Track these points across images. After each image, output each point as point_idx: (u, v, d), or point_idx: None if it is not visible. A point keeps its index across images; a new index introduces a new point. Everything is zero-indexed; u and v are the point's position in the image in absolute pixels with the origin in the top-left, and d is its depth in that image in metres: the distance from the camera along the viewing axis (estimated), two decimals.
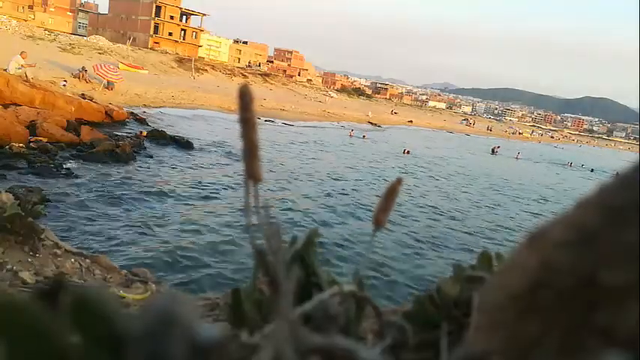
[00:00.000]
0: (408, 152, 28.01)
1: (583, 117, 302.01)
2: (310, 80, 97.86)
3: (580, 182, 30.05)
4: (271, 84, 62.00)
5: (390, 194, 0.58)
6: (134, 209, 9.24)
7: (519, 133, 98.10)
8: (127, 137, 15.06)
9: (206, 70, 54.45)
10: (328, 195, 13.47)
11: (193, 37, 76.55)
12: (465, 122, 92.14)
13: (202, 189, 11.72)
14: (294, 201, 12.16)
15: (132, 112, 19.52)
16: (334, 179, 16.11)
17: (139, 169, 12.35)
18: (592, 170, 40.97)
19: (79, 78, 25.60)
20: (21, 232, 2.14)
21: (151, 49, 58.66)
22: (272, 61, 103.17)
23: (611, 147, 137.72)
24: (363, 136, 33.07)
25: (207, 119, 25.87)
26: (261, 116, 29.81)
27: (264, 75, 67.50)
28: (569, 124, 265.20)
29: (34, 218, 2.23)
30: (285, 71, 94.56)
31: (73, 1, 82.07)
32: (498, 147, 43.47)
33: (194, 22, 78.42)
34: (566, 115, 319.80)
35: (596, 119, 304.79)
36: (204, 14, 79.18)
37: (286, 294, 0.40)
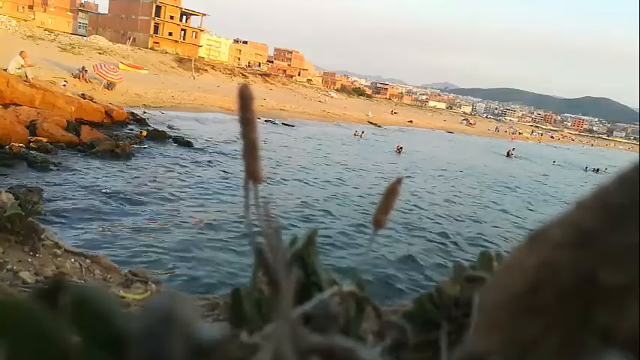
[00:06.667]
0: (401, 149, 27.64)
1: (583, 117, 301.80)
2: (310, 80, 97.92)
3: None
4: (271, 84, 62.03)
5: (390, 194, 0.58)
6: (134, 209, 9.24)
7: (519, 133, 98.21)
8: (127, 137, 15.07)
9: (206, 70, 54.49)
10: (327, 195, 13.47)
11: (193, 37, 76.56)
12: (464, 122, 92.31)
13: (202, 189, 11.72)
14: (294, 201, 12.16)
15: (132, 112, 19.51)
16: (333, 179, 16.11)
17: (139, 169, 12.35)
18: None
19: (79, 78, 25.60)
20: (21, 232, 2.14)
21: (151, 49, 58.68)
22: (272, 61, 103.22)
23: (611, 147, 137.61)
24: (361, 135, 33.03)
25: (207, 119, 25.87)
26: (261, 116, 29.80)
27: (264, 75, 67.55)
28: (569, 124, 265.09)
29: (34, 218, 2.23)
30: (285, 71, 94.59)
31: (73, 1, 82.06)
32: (513, 149, 42.13)
33: (194, 22, 78.50)
34: (566, 115, 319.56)
35: (596, 119, 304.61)
36: (204, 14, 79.20)
37: (286, 294, 0.40)
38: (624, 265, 0.30)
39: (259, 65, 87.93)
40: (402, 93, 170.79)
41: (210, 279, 6.82)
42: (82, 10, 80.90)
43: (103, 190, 9.84)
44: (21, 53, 17.15)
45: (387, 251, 9.13)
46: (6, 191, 2.36)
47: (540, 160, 43.29)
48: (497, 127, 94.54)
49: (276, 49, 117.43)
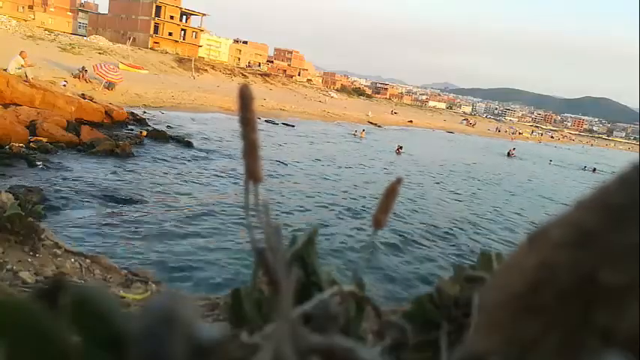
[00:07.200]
0: (400, 149, 27.62)
1: (583, 117, 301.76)
2: (310, 80, 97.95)
3: None
4: (271, 84, 62.02)
5: (390, 194, 0.58)
6: (134, 209, 9.24)
7: (519, 133, 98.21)
8: (127, 137, 15.06)
9: (206, 70, 54.47)
10: (327, 194, 13.48)
11: (193, 37, 76.57)
12: (464, 122, 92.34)
13: (202, 188, 11.72)
14: (294, 200, 12.16)
15: (132, 112, 19.51)
16: (333, 179, 16.12)
17: (139, 169, 12.35)
18: None
19: (79, 78, 25.60)
20: (21, 232, 2.14)
21: (151, 49, 58.68)
22: (272, 61, 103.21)
23: (611, 147, 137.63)
24: (361, 135, 32.99)
25: (207, 119, 25.86)
26: (261, 116, 29.78)
27: (264, 75, 67.53)
28: (569, 124, 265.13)
29: (34, 218, 2.23)
30: (285, 71, 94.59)
31: (73, 1, 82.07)
32: (514, 149, 42.83)
33: (194, 22, 78.51)
34: (566, 115, 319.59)
35: (596, 119, 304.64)
36: (204, 14, 79.20)
37: (286, 294, 0.40)
38: (624, 265, 0.30)
39: (259, 65, 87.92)
40: (402, 93, 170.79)
41: (210, 279, 6.82)
42: (82, 10, 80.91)
43: (103, 190, 9.84)
44: (21, 53, 17.16)
45: (385, 250, 9.13)
46: (6, 191, 2.36)
47: (540, 160, 43.45)
48: (497, 127, 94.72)
49: (276, 49, 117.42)
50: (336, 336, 0.39)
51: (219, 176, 13.32)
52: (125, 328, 0.28)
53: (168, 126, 19.80)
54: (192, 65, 50.51)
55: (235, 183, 12.66)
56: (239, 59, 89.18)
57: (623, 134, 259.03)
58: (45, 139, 12.06)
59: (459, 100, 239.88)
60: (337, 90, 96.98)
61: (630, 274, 0.29)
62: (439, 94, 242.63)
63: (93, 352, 0.28)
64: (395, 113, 70.50)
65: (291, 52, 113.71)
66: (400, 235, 10.43)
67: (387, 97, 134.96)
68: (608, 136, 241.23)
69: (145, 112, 21.78)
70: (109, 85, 25.42)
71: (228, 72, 58.18)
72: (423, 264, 9.08)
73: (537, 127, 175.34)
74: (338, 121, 44.23)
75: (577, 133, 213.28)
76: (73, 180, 10.14)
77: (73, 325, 0.28)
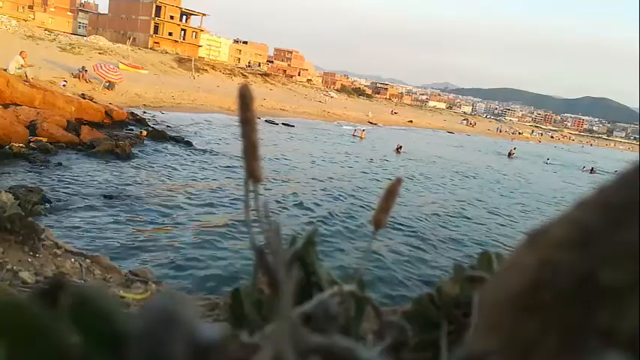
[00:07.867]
0: (400, 149, 27.61)
1: (583, 117, 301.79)
2: (310, 80, 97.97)
3: None
4: (271, 84, 62.04)
5: (390, 194, 0.58)
6: (134, 209, 9.24)
7: (519, 134, 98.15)
8: (127, 137, 15.06)
9: (206, 70, 54.48)
10: (327, 194, 13.47)
11: (193, 37, 76.59)
12: (465, 122, 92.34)
13: (202, 188, 11.72)
14: (293, 200, 12.16)
15: (132, 112, 19.51)
16: (333, 178, 16.11)
17: (138, 169, 12.35)
18: None
19: (79, 78, 25.60)
20: (21, 232, 2.14)
21: (151, 49, 58.68)
22: (272, 61, 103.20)
23: (611, 147, 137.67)
24: (361, 135, 32.97)
25: (207, 119, 25.86)
26: (261, 116, 29.78)
27: (264, 75, 67.53)
28: (569, 124, 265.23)
29: (34, 218, 2.23)
30: (285, 71, 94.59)
31: (73, 1, 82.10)
32: (515, 149, 42.92)
33: (194, 22, 78.52)
34: (566, 115, 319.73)
35: (596, 119, 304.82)
36: (204, 14, 79.22)
37: (286, 294, 0.40)
38: (624, 265, 0.30)
39: (259, 65, 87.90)
40: (402, 93, 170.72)
41: (210, 279, 6.82)
42: (82, 10, 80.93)
43: (103, 190, 9.84)
44: (21, 53, 17.17)
45: (383, 251, 9.13)
46: (6, 191, 2.36)
47: (540, 160, 43.51)
48: (498, 128, 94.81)
49: (276, 49, 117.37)
50: (336, 336, 0.39)
51: (218, 175, 13.32)
52: (125, 328, 0.28)
53: (168, 126, 19.79)
54: (192, 65, 50.50)
55: (235, 182, 12.66)
56: (239, 59, 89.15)
57: (623, 134, 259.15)
58: (45, 139, 12.06)
59: (459, 100, 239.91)
60: (337, 90, 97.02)
61: (630, 274, 0.29)
62: (439, 94, 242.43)
63: (93, 352, 0.28)
64: (395, 113, 70.52)
65: (291, 52, 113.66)
66: (398, 235, 10.43)
67: (387, 97, 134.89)
68: (608, 136, 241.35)
69: (144, 112, 21.77)
70: (109, 85, 25.41)
71: (228, 72, 58.17)
72: (419, 264, 9.08)
73: (537, 127, 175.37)
74: (338, 121, 44.24)
75: (577, 133, 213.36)
76: (73, 180, 10.14)
77: (73, 325, 0.28)
